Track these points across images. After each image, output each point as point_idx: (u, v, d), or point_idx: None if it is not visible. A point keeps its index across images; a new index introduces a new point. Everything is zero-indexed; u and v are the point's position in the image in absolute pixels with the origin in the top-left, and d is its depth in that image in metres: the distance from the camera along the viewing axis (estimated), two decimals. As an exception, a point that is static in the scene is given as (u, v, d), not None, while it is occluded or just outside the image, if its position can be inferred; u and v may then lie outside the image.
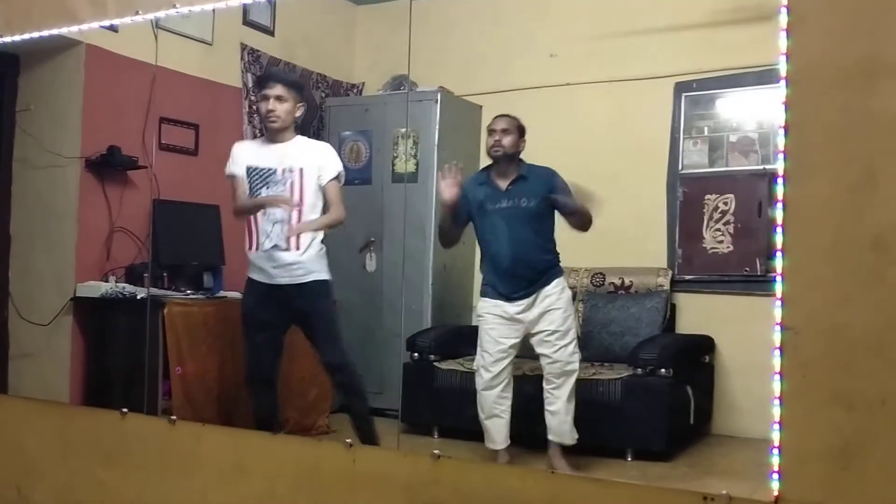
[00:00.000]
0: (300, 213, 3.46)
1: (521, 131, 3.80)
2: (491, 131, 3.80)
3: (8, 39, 3.21)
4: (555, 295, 3.72)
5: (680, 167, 4.85)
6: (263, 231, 3.49)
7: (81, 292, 4.03)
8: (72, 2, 2.99)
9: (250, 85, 5.00)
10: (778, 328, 1.74)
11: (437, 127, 4.97)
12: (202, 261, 4.49)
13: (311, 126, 5.48)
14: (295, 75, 3.61)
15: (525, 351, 3.85)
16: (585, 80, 5.03)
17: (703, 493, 1.81)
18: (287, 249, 3.45)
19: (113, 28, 3.85)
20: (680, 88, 4.86)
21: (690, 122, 4.85)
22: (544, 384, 3.74)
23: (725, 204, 4.70)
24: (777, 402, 1.73)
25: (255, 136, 4.96)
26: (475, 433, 4.23)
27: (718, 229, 4.71)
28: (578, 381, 3.83)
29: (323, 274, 3.52)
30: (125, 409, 2.79)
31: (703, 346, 4.62)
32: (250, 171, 3.53)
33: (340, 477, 2.29)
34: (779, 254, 1.75)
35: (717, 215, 4.72)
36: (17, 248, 4.25)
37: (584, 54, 5.04)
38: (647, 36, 4.84)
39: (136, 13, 2.88)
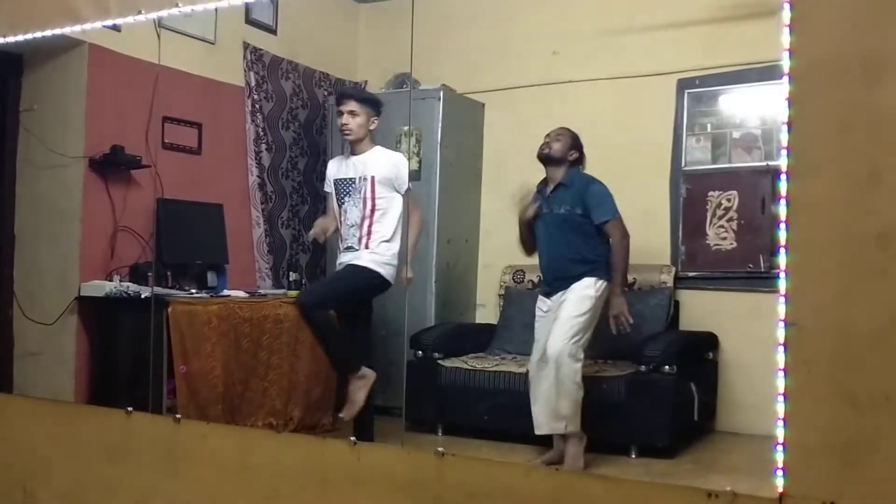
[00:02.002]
0: (371, 218, 3.72)
1: (574, 142, 3.93)
2: (546, 135, 3.97)
3: (11, 39, 3.21)
4: (577, 290, 3.76)
5: (683, 164, 4.85)
6: (340, 238, 3.83)
7: (86, 291, 4.04)
8: (74, 1, 2.99)
9: (253, 83, 5.01)
10: (782, 324, 1.73)
11: (440, 125, 4.98)
12: (206, 260, 4.50)
13: (314, 124, 5.49)
14: (368, 92, 3.97)
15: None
16: (588, 77, 5.03)
17: (708, 490, 1.81)
18: (357, 249, 3.73)
19: (116, 27, 3.85)
20: (683, 85, 4.85)
21: (693, 118, 4.84)
22: None
23: (729, 200, 4.70)
24: (781, 398, 1.73)
25: (258, 136, 5.00)
26: (479, 430, 4.24)
27: (722, 226, 4.71)
28: (584, 378, 3.83)
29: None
30: (130, 408, 2.79)
31: (707, 342, 4.62)
32: (337, 182, 3.84)
33: (345, 474, 2.29)
34: (782, 250, 1.75)
35: (720, 212, 4.72)
36: (22, 248, 4.26)
37: (587, 51, 5.04)
38: (650, 33, 4.84)
39: (139, 12, 2.88)
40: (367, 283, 3.71)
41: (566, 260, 3.83)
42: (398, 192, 3.75)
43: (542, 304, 3.94)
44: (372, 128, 3.79)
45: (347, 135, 3.77)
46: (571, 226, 3.83)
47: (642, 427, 3.96)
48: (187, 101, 4.59)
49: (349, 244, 3.76)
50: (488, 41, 5.37)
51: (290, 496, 2.40)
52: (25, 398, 3.45)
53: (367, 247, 3.70)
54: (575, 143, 3.94)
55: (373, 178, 3.72)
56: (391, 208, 3.74)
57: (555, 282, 3.87)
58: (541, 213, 3.95)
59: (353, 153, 3.82)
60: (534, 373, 3.86)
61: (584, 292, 3.76)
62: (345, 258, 3.78)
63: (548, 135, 3.96)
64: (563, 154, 3.89)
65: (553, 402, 3.68)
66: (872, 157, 1.68)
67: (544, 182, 3.99)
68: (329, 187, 3.90)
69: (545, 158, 3.92)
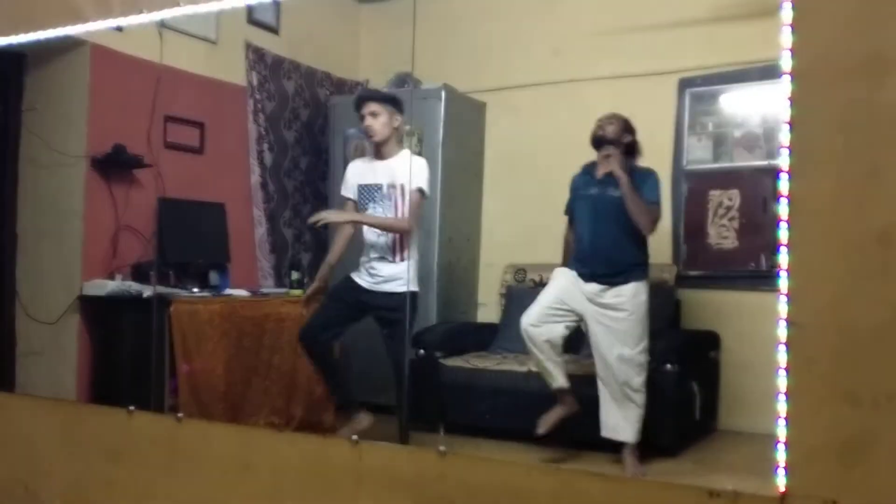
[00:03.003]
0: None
1: (626, 124, 3.87)
2: (598, 119, 3.89)
3: (13, 39, 3.22)
4: (630, 297, 3.75)
5: (684, 163, 4.85)
6: (371, 242, 3.70)
7: (88, 290, 4.04)
8: (77, 1, 3.00)
9: (255, 83, 5.01)
10: (783, 323, 1.74)
11: (442, 124, 4.97)
12: (208, 259, 4.50)
13: (316, 124, 5.49)
14: (386, 91, 3.87)
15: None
16: (589, 76, 5.02)
17: (709, 489, 1.81)
18: (392, 261, 3.65)
19: (118, 27, 3.85)
20: (684, 84, 4.85)
21: (694, 117, 4.84)
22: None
23: (730, 199, 4.69)
24: (782, 397, 1.73)
25: (260, 135, 5.00)
26: (481, 429, 4.24)
27: (723, 225, 4.71)
28: (584, 378, 3.84)
29: (414, 286, 3.70)
30: (132, 407, 2.79)
31: (709, 341, 4.62)
32: (361, 188, 3.73)
33: (347, 473, 2.29)
34: (784, 249, 1.75)
35: (721, 211, 4.72)
36: (24, 247, 4.26)
37: (588, 50, 5.04)
38: (651, 32, 4.83)
39: (141, 12, 2.89)
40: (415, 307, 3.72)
41: (616, 246, 3.77)
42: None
43: (568, 278, 3.83)
44: (396, 125, 3.68)
45: (373, 136, 3.66)
46: (623, 211, 3.75)
47: (644, 425, 3.95)
48: (189, 100, 4.59)
49: (382, 255, 3.66)
50: (490, 40, 5.37)
51: (292, 495, 2.41)
52: (28, 397, 3.46)
53: (402, 259, 3.62)
54: (627, 127, 3.88)
55: (402, 185, 3.61)
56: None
57: (598, 270, 3.79)
58: (587, 193, 3.88)
59: (380, 157, 3.71)
60: (536, 319, 3.82)
61: (638, 301, 3.77)
62: (381, 269, 3.66)
63: (599, 119, 3.88)
64: (618, 136, 3.83)
65: (626, 411, 3.72)
66: (873, 156, 1.68)
67: (593, 164, 3.91)
68: (350, 192, 3.78)
69: (599, 140, 3.84)
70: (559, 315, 3.82)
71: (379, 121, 3.64)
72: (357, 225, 3.75)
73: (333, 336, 3.80)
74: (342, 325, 3.78)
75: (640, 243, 3.85)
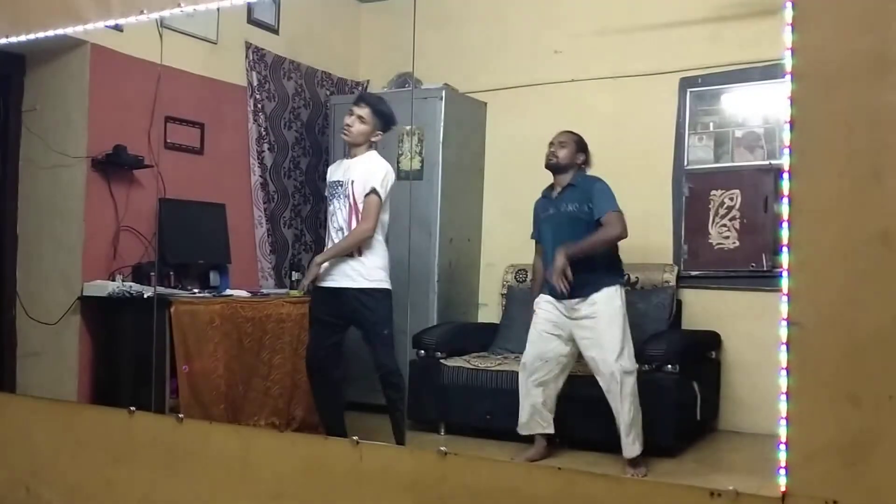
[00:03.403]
0: (355, 220, 3.66)
1: (579, 146, 3.95)
2: (549, 144, 3.98)
3: (13, 39, 3.22)
4: (603, 304, 3.75)
5: (685, 163, 4.85)
6: (330, 238, 3.77)
7: (88, 291, 4.04)
8: (76, 1, 3.00)
9: (255, 83, 5.01)
10: (784, 324, 1.73)
11: (442, 124, 4.97)
12: (208, 259, 4.50)
13: (317, 124, 5.49)
14: (388, 107, 3.80)
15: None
16: (590, 76, 5.03)
17: (710, 489, 1.80)
18: (348, 256, 3.66)
19: (118, 27, 3.85)
20: (685, 84, 4.85)
21: (696, 117, 4.84)
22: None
23: (731, 199, 4.69)
24: (784, 397, 1.73)
25: (260, 135, 5.01)
26: (482, 430, 4.24)
27: (724, 225, 4.70)
28: (586, 377, 3.83)
29: (382, 283, 3.69)
30: (133, 408, 2.79)
31: (710, 341, 4.62)
32: (329, 185, 3.83)
33: (347, 474, 2.29)
34: (785, 249, 1.75)
35: (722, 211, 4.71)
36: (25, 248, 4.26)
37: (589, 50, 5.04)
38: (652, 32, 4.83)
39: (141, 12, 2.88)
40: (390, 305, 3.70)
41: (581, 259, 3.79)
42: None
43: (547, 304, 3.89)
44: (374, 139, 3.74)
45: (346, 136, 3.74)
46: (580, 223, 3.83)
47: (645, 426, 3.95)
48: (190, 100, 4.60)
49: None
50: (490, 40, 5.37)
51: (293, 495, 2.40)
52: (28, 398, 3.46)
53: (359, 254, 3.64)
54: (580, 146, 3.96)
55: (352, 182, 3.68)
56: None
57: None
58: (543, 214, 3.98)
59: (349, 155, 3.80)
60: (526, 375, 3.91)
61: (612, 306, 3.77)
62: (341, 267, 3.66)
63: (551, 143, 3.96)
64: (571, 160, 3.92)
65: (627, 423, 3.71)
66: (875, 156, 1.68)
67: (550, 188, 4.00)
68: (326, 190, 3.89)
69: (554, 168, 3.94)
70: (554, 335, 3.88)
71: (360, 127, 3.70)
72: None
73: (332, 354, 3.78)
74: (333, 339, 3.76)
75: (608, 250, 3.87)
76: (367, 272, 3.64)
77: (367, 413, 4.16)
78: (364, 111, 3.70)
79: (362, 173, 3.69)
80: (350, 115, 3.73)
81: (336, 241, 3.70)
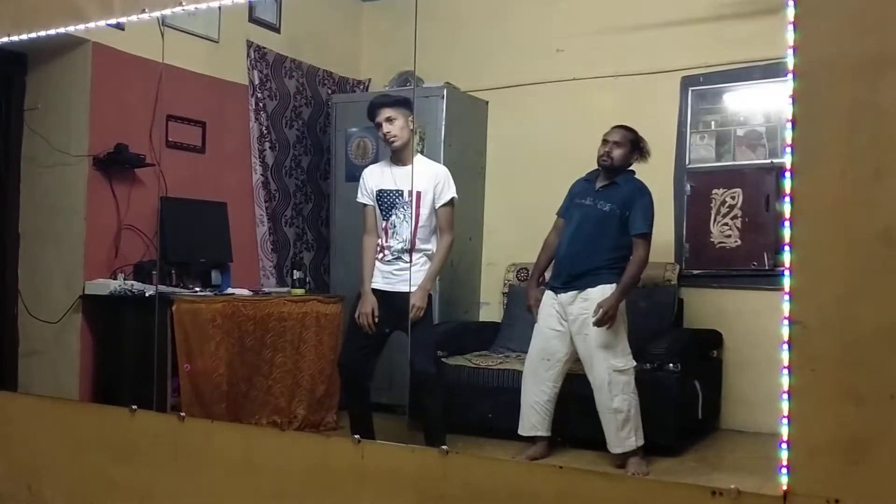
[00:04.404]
0: (416, 231, 3.61)
1: (633, 145, 3.87)
2: (604, 141, 3.87)
3: (15, 38, 3.22)
4: (593, 299, 3.73)
5: (687, 161, 4.84)
6: (389, 250, 3.66)
7: (90, 290, 4.04)
8: (78, 0, 3.00)
9: (256, 82, 5.01)
10: (786, 322, 1.73)
11: (444, 123, 4.97)
12: (210, 258, 4.50)
13: (318, 123, 5.49)
14: (396, 94, 3.79)
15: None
16: (592, 74, 5.02)
17: (712, 488, 1.80)
18: (407, 263, 3.62)
19: (119, 26, 3.84)
20: (687, 83, 4.85)
21: (697, 116, 4.84)
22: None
23: (733, 198, 4.69)
24: (785, 396, 1.73)
25: (261, 134, 5.00)
26: (483, 428, 4.24)
27: (726, 224, 4.70)
28: (585, 377, 3.83)
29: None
30: (134, 406, 2.79)
31: (711, 340, 4.62)
32: (380, 194, 3.68)
33: (349, 473, 2.29)
34: (787, 248, 1.75)
35: (724, 209, 4.71)
36: (26, 247, 4.26)
37: (591, 49, 5.03)
38: (654, 30, 4.83)
39: (143, 11, 2.89)
40: (432, 310, 3.71)
41: (589, 254, 3.79)
42: (435, 207, 3.62)
43: (551, 300, 3.88)
44: (412, 127, 3.66)
45: (394, 142, 3.61)
46: (610, 224, 3.79)
47: (647, 425, 3.94)
48: (191, 99, 4.60)
49: (399, 256, 3.63)
50: (492, 39, 5.36)
51: (295, 494, 2.41)
52: (30, 396, 3.46)
53: (412, 262, 3.60)
54: (635, 145, 3.86)
55: (419, 193, 3.59)
56: (431, 222, 3.65)
57: (569, 275, 3.83)
58: (583, 202, 3.90)
59: (397, 162, 3.68)
60: (530, 371, 3.92)
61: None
62: (400, 269, 3.63)
63: (605, 140, 3.85)
64: (625, 161, 3.85)
65: (622, 420, 3.70)
66: (877, 154, 1.67)
67: (595, 173, 3.92)
68: (368, 198, 3.71)
69: (608, 169, 3.85)
70: (557, 332, 3.87)
71: (396, 125, 3.60)
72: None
73: (370, 359, 3.75)
74: (374, 343, 3.72)
75: (619, 251, 3.82)
76: (416, 277, 3.59)
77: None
78: (386, 112, 3.60)
79: (428, 182, 3.60)
80: (379, 127, 3.61)
81: (395, 254, 3.61)
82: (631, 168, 3.93)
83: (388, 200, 3.66)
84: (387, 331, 3.69)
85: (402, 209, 3.63)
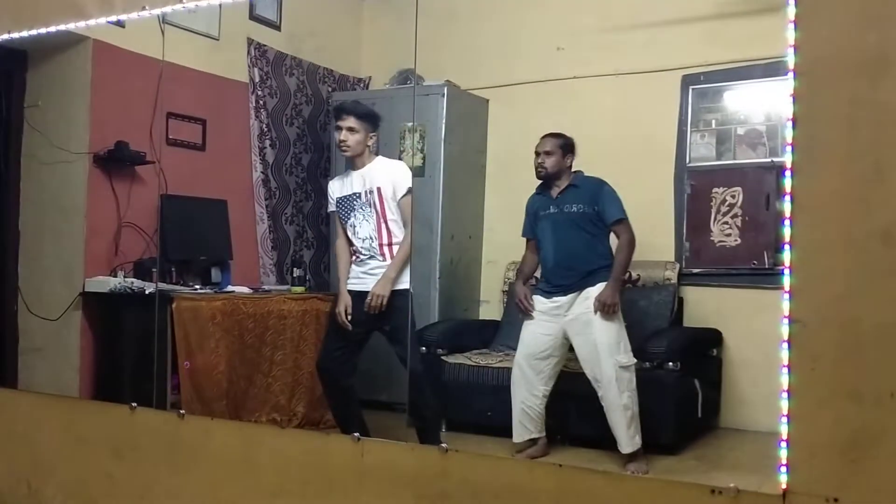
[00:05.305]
0: (387, 227, 3.66)
1: (564, 150, 3.94)
2: (536, 153, 3.96)
3: (16, 35, 3.22)
4: (594, 297, 3.74)
5: (687, 160, 4.84)
6: (357, 252, 3.73)
7: (90, 287, 4.04)
8: (79, -2, 3.00)
9: (256, 79, 5.01)
10: (786, 321, 1.73)
11: (444, 121, 4.97)
12: (210, 255, 4.50)
13: (318, 121, 5.49)
14: (368, 107, 3.84)
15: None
16: (592, 73, 5.01)
17: (711, 487, 1.81)
18: (382, 259, 3.66)
19: (120, 23, 3.84)
20: (687, 81, 4.84)
21: (698, 114, 4.83)
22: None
23: (733, 197, 4.69)
24: (785, 395, 1.73)
25: (261, 132, 5.00)
26: (483, 427, 4.24)
27: (726, 222, 4.70)
28: (584, 376, 3.83)
29: (406, 284, 3.65)
30: (134, 404, 2.80)
31: (711, 339, 4.62)
32: (339, 201, 3.77)
33: (349, 470, 2.30)
34: (787, 247, 1.75)
35: (724, 208, 4.71)
36: (26, 244, 4.26)
37: (591, 47, 5.03)
38: (654, 28, 4.82)
39: (143, 8, 2.89)
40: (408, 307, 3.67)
41: (580, 257, 3.81)
42: (395, 200, 3.67)
43: (539, 304, 3.91)
44: (370, 143, 3.73)
45: (345, 151, 3.71)
46: (586, 223, 3.84)
47: (646, 423, 3.94)
48: (191, 97, 4.59)
49: (371, 254, 3.67)
50: (492, 37, 5.36)
51: (294, 491, 2.41)
52: (30, 394, 3.46)
53: (392, 256, 3.63)
54: (565, 150, 3.94)
55: (379, 188, 3.67)
56: (397, 215, 3.70)
57: (563, 281, 3.84)
58: (542, 213, 3.96)
59: (354, 167, 3.76)
60: (519, 375, 3.91)
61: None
62: (372, 269, 3.66)
63: (537, 153, 3.95)
64: (559, 167, 3.92)
65: (630, 417, 3.70)
66: (877, 154, 1.68)
67: (546, 186, 3.99)
68: (332, 206, 3.83)
69: (546, 178, 3.94)
70: (547, 336, 3.88)
71: (354, 137, 3.68)
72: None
73: (349, 358, 3.76)
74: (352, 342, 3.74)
75: (607, 247, 3.90)
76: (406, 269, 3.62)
77: (367, 410, 4.15)
78: (349, 121, 3.68)
79: (386, 178, 3.67)
80: (339, 130, 3.70)
81: (365, 253, 3.67)
82: (576, 170, 3.97)
83: (346, 205, 3.74)
84: (364, 330, 3.71)
85: (360, 210, 3.70)
